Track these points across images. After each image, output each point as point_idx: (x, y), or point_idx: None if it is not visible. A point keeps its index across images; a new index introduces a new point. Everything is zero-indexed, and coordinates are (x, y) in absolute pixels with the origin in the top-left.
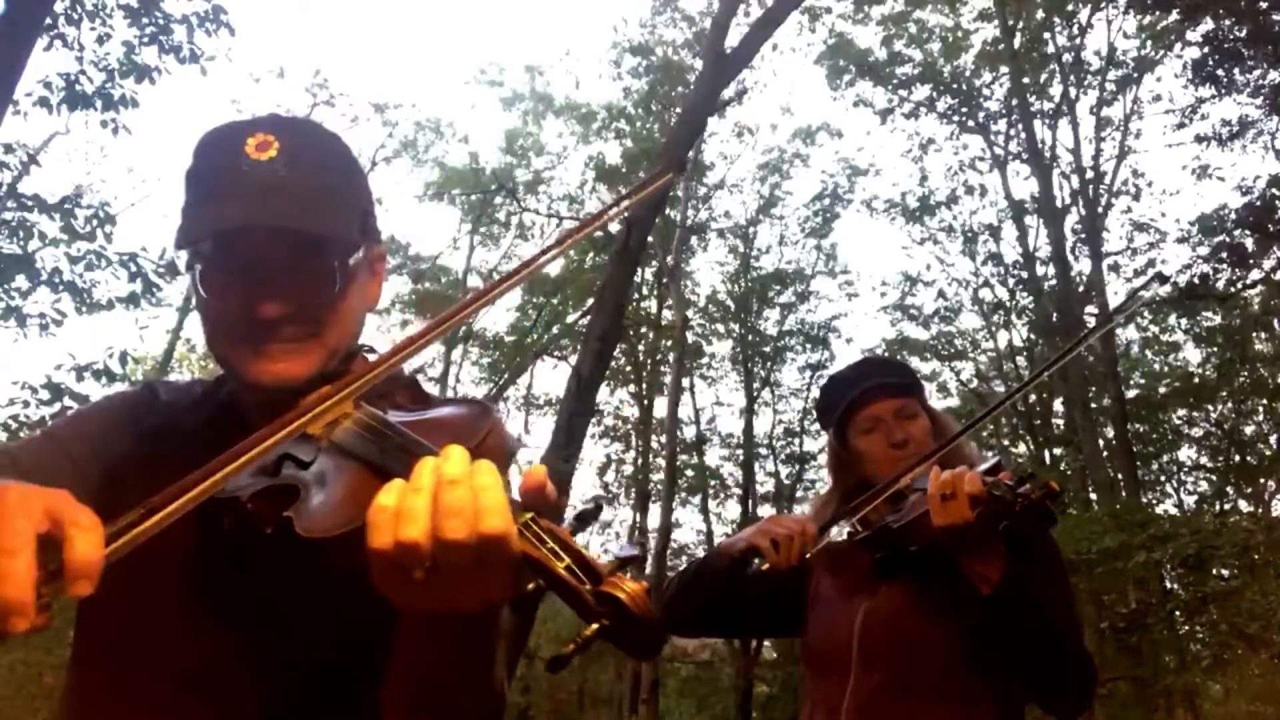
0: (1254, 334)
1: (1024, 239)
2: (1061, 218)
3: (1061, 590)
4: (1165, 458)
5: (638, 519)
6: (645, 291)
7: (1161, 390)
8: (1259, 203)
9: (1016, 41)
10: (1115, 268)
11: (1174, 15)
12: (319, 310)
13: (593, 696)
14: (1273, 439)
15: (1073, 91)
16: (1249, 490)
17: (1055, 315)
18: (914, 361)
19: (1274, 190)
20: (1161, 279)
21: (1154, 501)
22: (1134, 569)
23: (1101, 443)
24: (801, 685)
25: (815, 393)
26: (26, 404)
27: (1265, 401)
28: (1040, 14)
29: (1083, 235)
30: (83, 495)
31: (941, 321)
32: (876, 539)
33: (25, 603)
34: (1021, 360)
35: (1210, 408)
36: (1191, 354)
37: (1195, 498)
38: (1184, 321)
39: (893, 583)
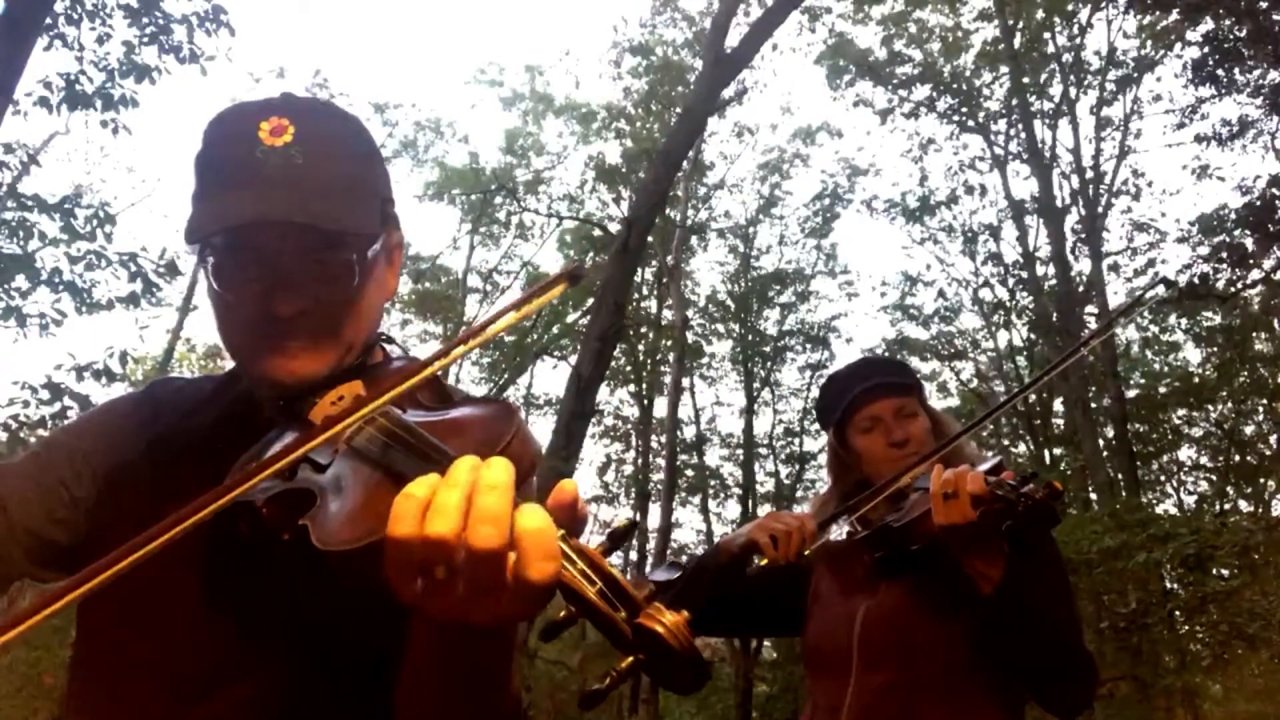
0: (1254, 334)
1: (1024, 239)
2: (1061, 218)
3: (1062, 589)
4: (1165, 458)
5: (638, 519)
6: (645, 291)
7: (1161, 390)
8: (1259, 203)
9: (1016, 41)
10: (1115, 268)
11: (1174, 15)
12: (337, 307)
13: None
14: (1273, 439)
15: (1073, 91)
16: (1249, 490)
17: (1055, 315)
18: (914, 361)
19: (1274, 190)
20: (1167, 283)
21: (1154, 501)
22: (1134, 569)
23: (1101, 443)
24: (802, 685)
25: (815, 392)
26: (26, 404)
27: (1265, 401)
28: (1040, 14)
29: (1083, 235)
30: (82, 505)
31: (941, 321)
32: (877, 538)
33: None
34: (1021, 360)
35: (1210, 408)
36: (1191, 354)
37: (1195, 498)
38: (1184, 321)
39: (893, 582)
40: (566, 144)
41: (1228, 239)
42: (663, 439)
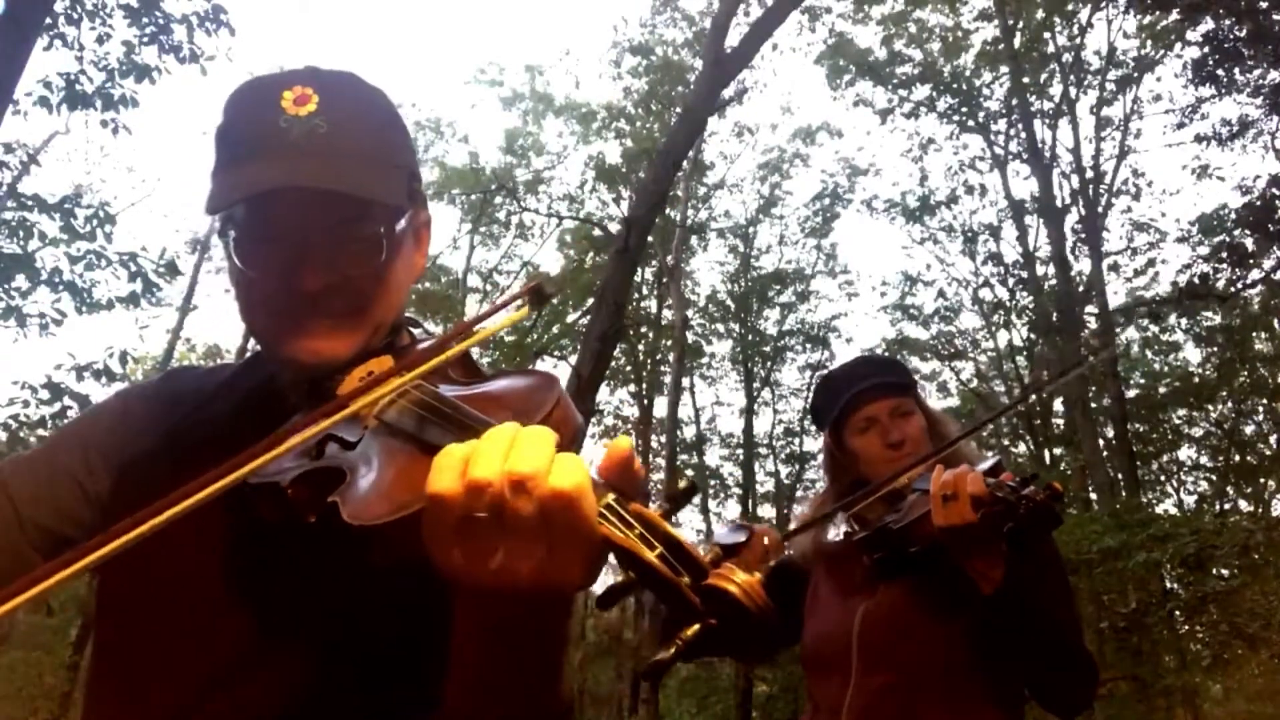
0: (1254, 334)
1: (1024, 239)
2: (1061, 217)
3: (1062, 589)
4: (1165, 458)
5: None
6: (645, 291)
7: (1161, 390)
8: (1259, 203)
9: (1016, 41)
10: (1115, 267)
11: (1174, 15)
12: (364, 283)
13: (593, 696)
14: (1273, 439)
15: (1073, 91)
16: (1249, 490)
17: (1055, 315)
18: (914, 361)
19: (1274, 190)
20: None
21: (1154, 501)
22: (1134, 569)
23: (1101, 443)
24: (802, 685)
25: None
26: (26, 404)
27: (1265, 401)
28: (1040, 14)
29: (1083, 235)
30: (96, 499)
31: (941, 321)
32: (876, 539)
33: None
34: (1021, 360)
35: (1210, 408)
36: (1191, 354)
37: (1195, 498)
38: (1184, 321)
39: (892, 583)
40: (566, 144)
41: (1228, 239)
42: (663, 439)
